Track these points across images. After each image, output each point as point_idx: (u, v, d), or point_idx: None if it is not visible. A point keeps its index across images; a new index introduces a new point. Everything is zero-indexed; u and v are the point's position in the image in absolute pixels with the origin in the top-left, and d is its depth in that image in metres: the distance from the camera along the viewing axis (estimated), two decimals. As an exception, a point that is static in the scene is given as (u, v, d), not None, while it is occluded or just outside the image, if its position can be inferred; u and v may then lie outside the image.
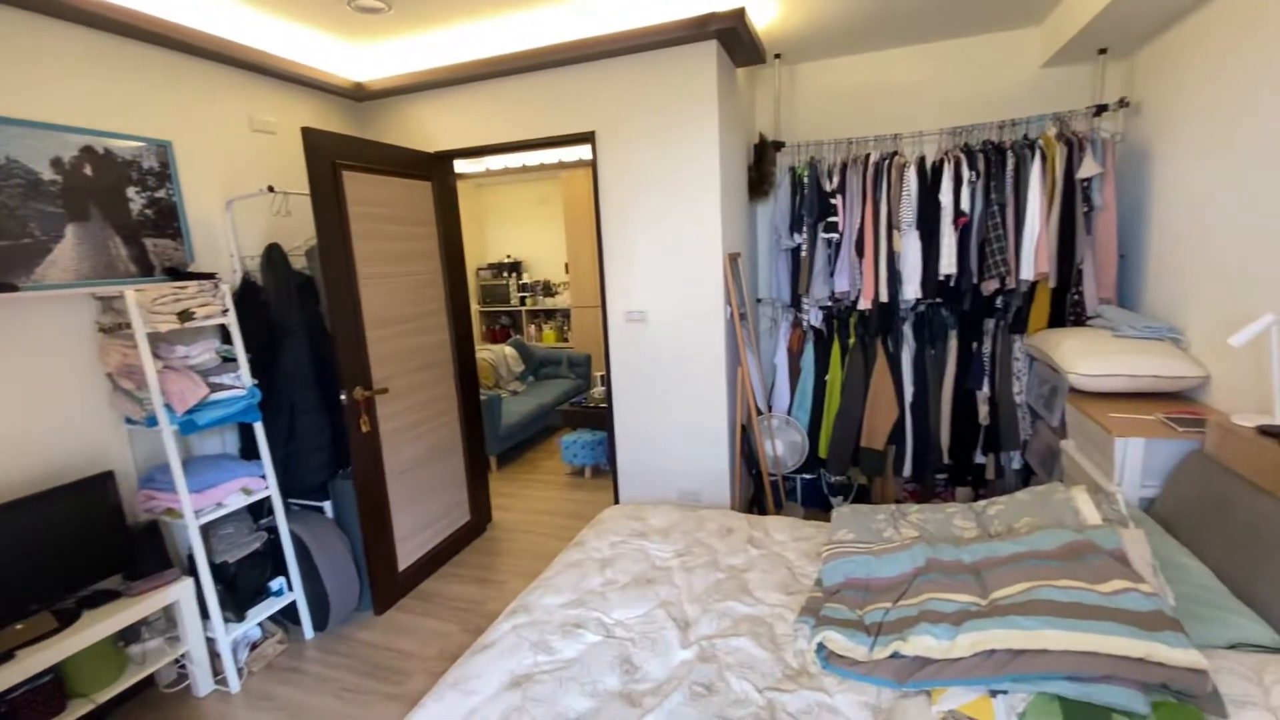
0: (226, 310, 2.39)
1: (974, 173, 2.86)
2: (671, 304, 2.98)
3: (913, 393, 3.11)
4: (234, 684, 2.34)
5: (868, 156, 3.04)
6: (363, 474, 2.68)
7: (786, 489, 3.52)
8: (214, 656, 2.35)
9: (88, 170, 2.18)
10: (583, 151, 5.25)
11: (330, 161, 2.51)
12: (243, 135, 2.77)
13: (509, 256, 6.67)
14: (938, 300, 3.07)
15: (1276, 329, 1.76)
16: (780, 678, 1.55)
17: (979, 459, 3.14)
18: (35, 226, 2.03)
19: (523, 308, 6.57)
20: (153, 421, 2.17)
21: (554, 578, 2.09)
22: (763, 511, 3.21)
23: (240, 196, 2.61)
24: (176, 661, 2.33)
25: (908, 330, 3.14)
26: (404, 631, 2.68)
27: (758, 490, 3.22)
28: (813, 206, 3.05)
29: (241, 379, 2.43)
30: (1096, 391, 2.39)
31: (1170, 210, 2.53)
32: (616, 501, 3.31)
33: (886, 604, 1.70)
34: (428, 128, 3.24)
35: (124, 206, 2.29)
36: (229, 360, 2.45)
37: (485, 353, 5.48)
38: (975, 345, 3.08)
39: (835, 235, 3.02)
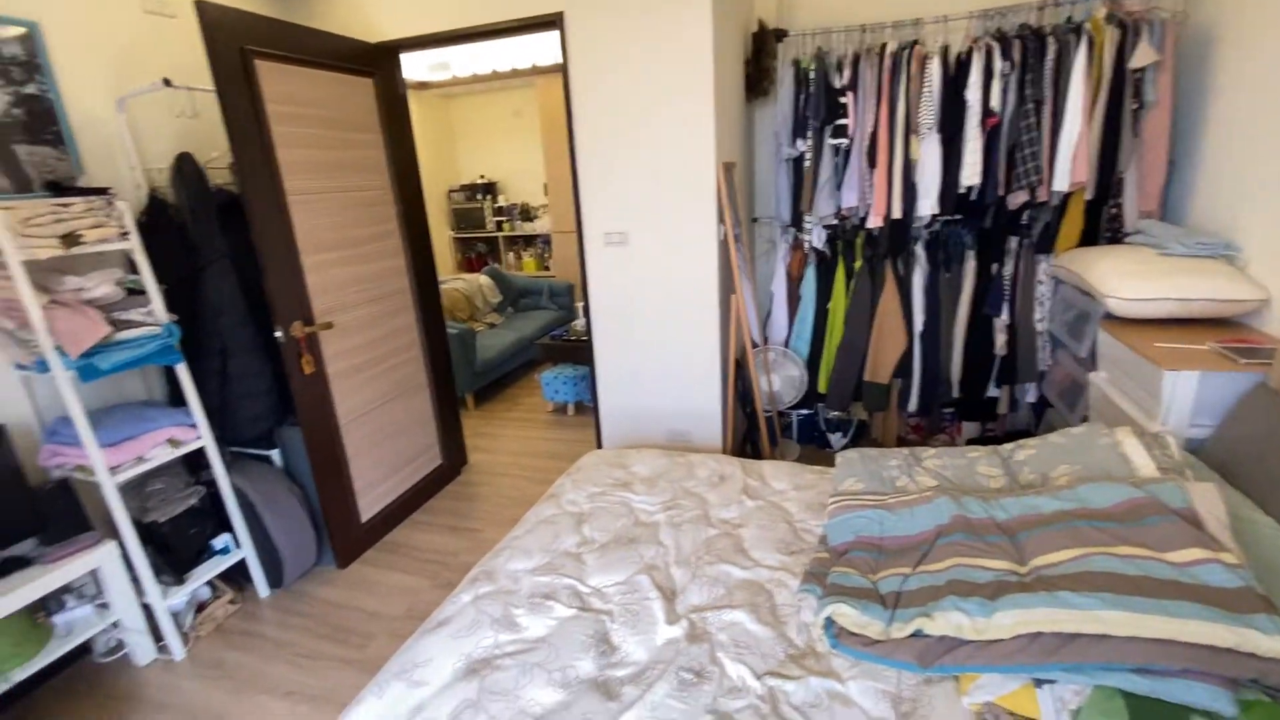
0: (126, 233, 2.01)
1: (1008, 64, 2.45)
2: (656, 224, 2.61)
3: (923, 321, 2.81)
4: (177, 651, 2.13)
5: (884, 47, 2.60)
6: (310, 419, 2.38)
7: (782, 425, 3.28)
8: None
9: (-80, 55, 1.74)
10: (559, 52, 4.68)
11: (239, 47, 2.06)
12: (133, 18, 2.28)
13: (482, 177, 6.14)
14: (956, 216, 2.73)
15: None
16: (783, 659, 1.33)
17: (992, 392, 2.89)
18: None
19: (500, 233, 6.11)
20: (44, 366, 1.84)
21: (523, 537, 1.85)
22: (756, 450, 2.97)
23: (133, 93, 2.16)
24: (115, 627, 2.11)
25: (920, 251, 2.81)
26: (369, 587, 2.47)
27: (751, 429, 2.97)
28: (819, 107, 2.63)
29: (154, 315, 2.08)
30: (1136, 318, 2.10)
31: (1234, 105, 2.15)
32: (599, 444, 3.06)
33: (904, 569, 1.46)
34: (367, 12, 2.74)
35: (-21, 103, 1.87)
36: (138, 293, 2.09)
37: (458, 283, 5.10)
38: (995, 267, 2.76)
39: (844, 141, 2.63)
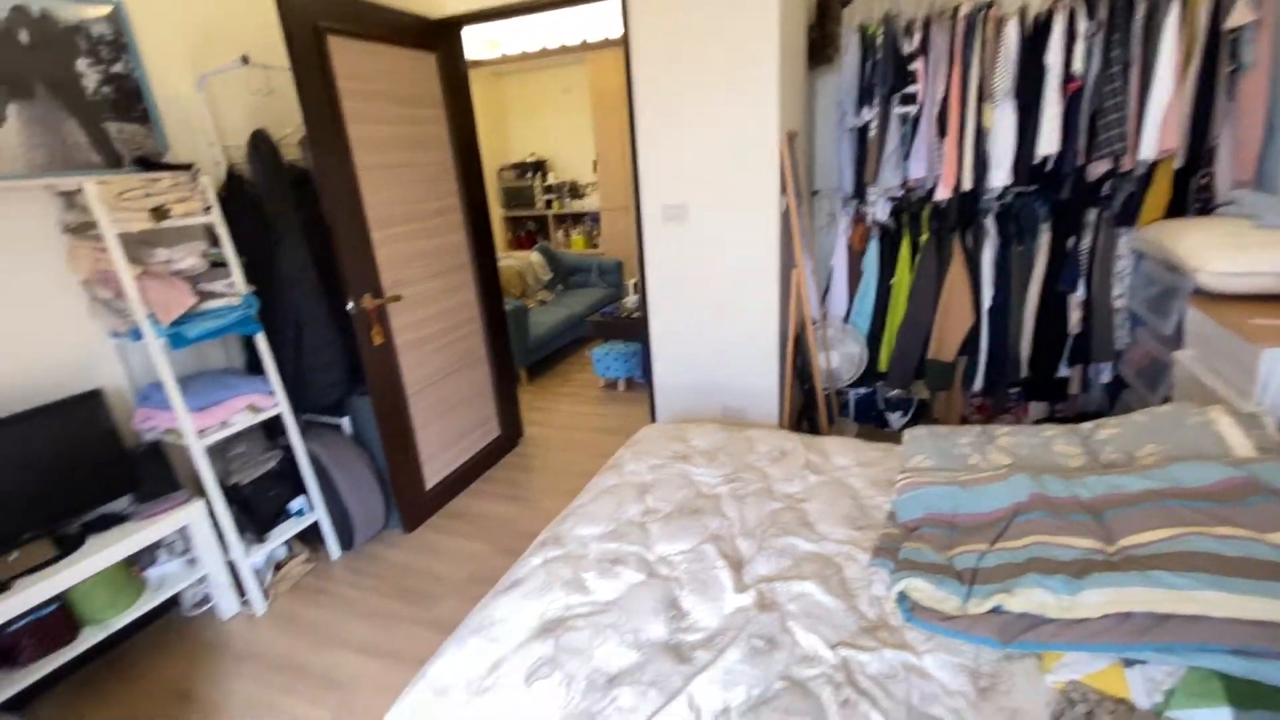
0: (209, 207, 2.10)
1: (1093, 24, 2.31)
2: (717, 196, 2.58)
3: (992, 297, 2.71)
4: (258, 606, 2.25)
5: (956, 9, 2.49)
6: (380, 389, 2.46)
7: (839, 404, 3.23)
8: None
9: (24, 37, 1.83)
10: (609, 28, 4.64)
11: (312, 24, 2.11)
12: (211, -5, 2.36)
13: (532, 155, 6.17)
14: (1030, 187, 2.61)
15: None
16: (855, 631, 1.32)
17: (1063, 371, 2.77)
18: (-32, 106, 1.73)
19: (549, 211, 6.14)
20: (137, 335, 1.95)
21: (588, 505, 1.88)
22: (813, 428, 2.94)
23: (213, 71, 2.24)
24: (202, 582, 2.24)
25: (990, 224, 2.70)
26: (434, 551, 2.56)
27: (808, 406, 2.94)
28: (886, 73, 2.54)
29: (235, 286, 2.17)
30: (1230, 293, 1.98)
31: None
32: (653, 419, 3.07)
33: (980, 546, 1.43)
34: (429, -12, 2.77)
35: (75, 83, 1.96)
36: (219, 265, 2.18)
37: (510, 260, 5.16)
38: (1071, 241, 2.63)
39: (913, 108, 2.53)
